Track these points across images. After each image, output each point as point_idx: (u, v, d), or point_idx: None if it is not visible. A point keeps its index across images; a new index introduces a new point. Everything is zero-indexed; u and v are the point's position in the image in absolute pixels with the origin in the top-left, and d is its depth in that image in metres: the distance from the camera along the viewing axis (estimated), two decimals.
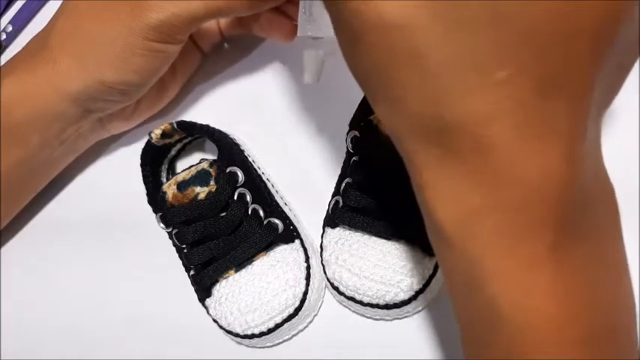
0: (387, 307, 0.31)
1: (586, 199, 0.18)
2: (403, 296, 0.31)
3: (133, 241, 0.37)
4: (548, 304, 0.18)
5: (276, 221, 0.33)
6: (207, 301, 0.33)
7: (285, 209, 0.35)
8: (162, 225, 0.33)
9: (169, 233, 0.34)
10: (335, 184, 0.35)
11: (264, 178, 0.36)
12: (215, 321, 0.33)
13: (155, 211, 0.34)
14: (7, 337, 0.36)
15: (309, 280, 0.33)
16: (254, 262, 0.33)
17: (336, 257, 0.32)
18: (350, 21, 0.17)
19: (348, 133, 0.33)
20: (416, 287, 0.31)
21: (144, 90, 0.35)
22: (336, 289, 0.32)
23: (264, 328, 0.31)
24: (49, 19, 0.34)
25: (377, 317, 0.33)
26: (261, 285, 0.32)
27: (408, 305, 0.31)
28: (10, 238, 0.39)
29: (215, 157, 0.34)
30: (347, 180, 0.33)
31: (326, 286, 0.34)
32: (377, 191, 0.31)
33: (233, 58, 0.41)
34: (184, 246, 0.33)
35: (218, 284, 0.33)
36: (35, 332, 0.36)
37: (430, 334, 0.32)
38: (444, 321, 0.32)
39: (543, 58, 0.15)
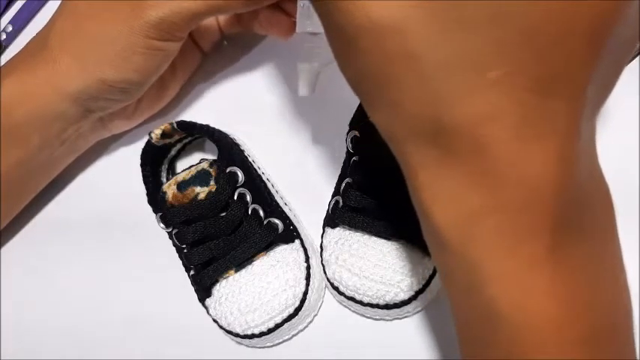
0: (387, 307, 0.31)
1: (582, 198, 0.18)
2: (403, 296, 0.31)
3: (133, 241, 0.37)
4: (548, 304, 0.18)
5: (276, 221, 0.33)
6: (207, 301, 0.33)
7: (285, 209, 0.35)
8: (162, 225, 0.33)
9: (169, 233, 0.34)
10: (335, 184, 0.35)
11: (264, 178, 0.36)
12: (215, 321, 0.33)
13: (155, 211, 0.34)
14: (7, 337, 0.36)
15: (309, 280, 0.33)
16: (254, 262, 0.33)
17: (336, 257, 0.32)
18: (340, 22, 0.17)
19: (348, 133, 0.33)
20: (416, 287, 0.31)
21: (144, 88, 0.35)
22: (336, 289, 0.32)
23: (264, 328, 0.31)
24: (49, 19, 0.34)
25: (377, 317, 0.33)
26: (261, 285, 0.32)
27: (408, 305, 0.31)
28: (10, 238, 0.39)
29: (215, 157, 0.34)
30: (347, 180, 0.33)
31: (326, 286, 0.34)
32: (377, 191, 0.31)
33: (233, 57, 0.41)
34: (184, 246, 0.33)
35: (218, 284, 0.33)
36: (35, 332, 0.36)
37: (430, 334, 0.32)
38: (444, 321, 0.32)
39: (543, 58, 0.15)
